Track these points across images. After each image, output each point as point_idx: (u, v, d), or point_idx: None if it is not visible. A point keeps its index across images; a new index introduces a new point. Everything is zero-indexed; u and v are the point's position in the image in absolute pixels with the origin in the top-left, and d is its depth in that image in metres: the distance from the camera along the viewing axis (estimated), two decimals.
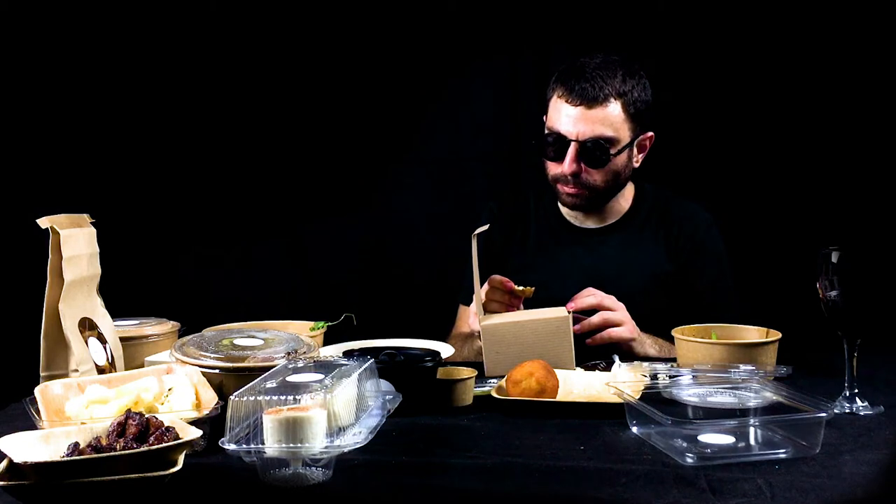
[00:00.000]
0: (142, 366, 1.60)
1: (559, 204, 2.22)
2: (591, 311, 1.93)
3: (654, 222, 2.20)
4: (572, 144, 2.04)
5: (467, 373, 1.64)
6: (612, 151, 2.05)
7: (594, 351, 1.89)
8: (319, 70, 2.80)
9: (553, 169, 2.11)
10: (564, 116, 2.05)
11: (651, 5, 2.72)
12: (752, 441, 1.35)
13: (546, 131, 2.11)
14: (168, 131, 2.78)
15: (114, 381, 1.43)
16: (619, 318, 1.93)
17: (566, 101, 2.05)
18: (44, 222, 1.50)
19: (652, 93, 2.12)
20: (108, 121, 2.73)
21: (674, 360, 1.81)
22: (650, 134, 2.15)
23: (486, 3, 2.79)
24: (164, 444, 1.15)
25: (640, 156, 2.16)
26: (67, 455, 1.16)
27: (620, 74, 2.06)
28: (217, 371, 1.45)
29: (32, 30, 2.65)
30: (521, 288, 1.91)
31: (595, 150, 2.04)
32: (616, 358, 1.79)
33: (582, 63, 2.08)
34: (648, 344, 1.98)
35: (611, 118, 2.04)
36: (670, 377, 1.62)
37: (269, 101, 2.81)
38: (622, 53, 2.14)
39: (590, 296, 1.93)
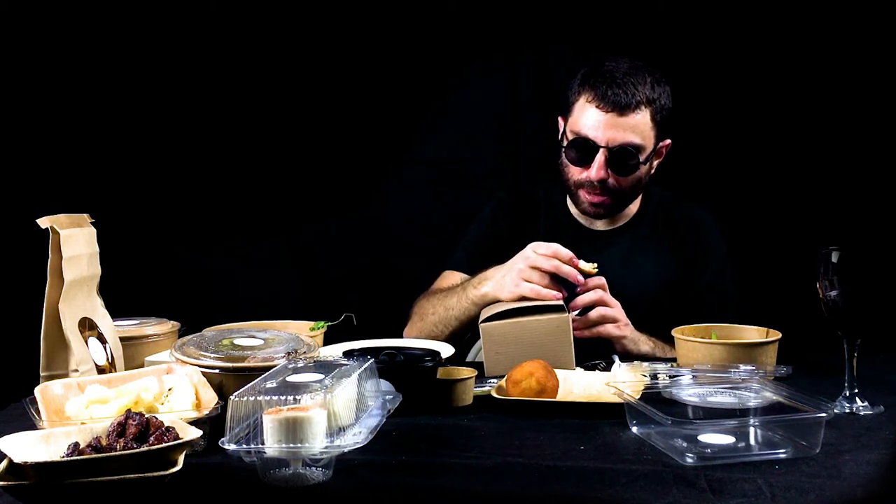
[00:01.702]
0: (142, 366, 1.60)
1: (570, 205, 2.20)
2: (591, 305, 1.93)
3: (660, 225, 2.20)
4: (601, 151, 2.02)
5: (467, 373, 1.63)
6: (641, 159, 2.04)
7: (594, 351, 1.89)
8: (319, 70, 2.80)
9: (577, 174, 2.09)
10: (593, 122, 2.02)
11: (651, 6, 2.72)
12: (752, 441, 1.35)
13: (571, 136, 2.07)
14: (167, 131, 2.78)
15: (114, 381, 1.43)
16: (614, 315, 1.93)
17: (596, 107, 2.01)
18: (44, 222, 1.49)
19: (673, 100, 2.10)
20: (109, 120, 2.73)
21: (673, 359, 1.81)
22: (668, 141, 2.14)
23: (486, 3, 2.79)
24: (164, 444, 1.15)
25: (657, 162, 2.15)
26: (67, 455, 1.16)
27: (649, 81, 2.03)
28: (217, 371, 1.45)
29: (32, 30, 2.65)
30: (588, 267, 1.86)
31: (624, 157, 2.02)
32: (616, 358, 1.79)
33: (610, 68, 2.04)
34: (642, 341, 1.98)
35: (640, 126, 2.02)
36: (670, 377, 1.62)
37: (268, 101, 2.81)
38: (621, 51, 2.13)
39: (598, 287, 1.91)
